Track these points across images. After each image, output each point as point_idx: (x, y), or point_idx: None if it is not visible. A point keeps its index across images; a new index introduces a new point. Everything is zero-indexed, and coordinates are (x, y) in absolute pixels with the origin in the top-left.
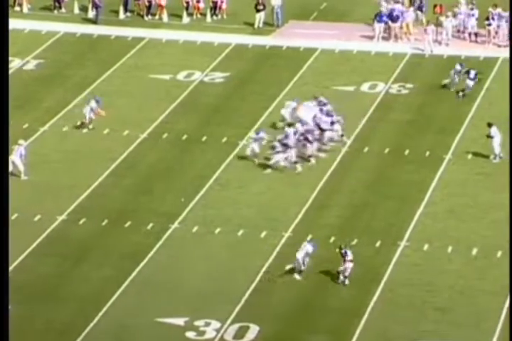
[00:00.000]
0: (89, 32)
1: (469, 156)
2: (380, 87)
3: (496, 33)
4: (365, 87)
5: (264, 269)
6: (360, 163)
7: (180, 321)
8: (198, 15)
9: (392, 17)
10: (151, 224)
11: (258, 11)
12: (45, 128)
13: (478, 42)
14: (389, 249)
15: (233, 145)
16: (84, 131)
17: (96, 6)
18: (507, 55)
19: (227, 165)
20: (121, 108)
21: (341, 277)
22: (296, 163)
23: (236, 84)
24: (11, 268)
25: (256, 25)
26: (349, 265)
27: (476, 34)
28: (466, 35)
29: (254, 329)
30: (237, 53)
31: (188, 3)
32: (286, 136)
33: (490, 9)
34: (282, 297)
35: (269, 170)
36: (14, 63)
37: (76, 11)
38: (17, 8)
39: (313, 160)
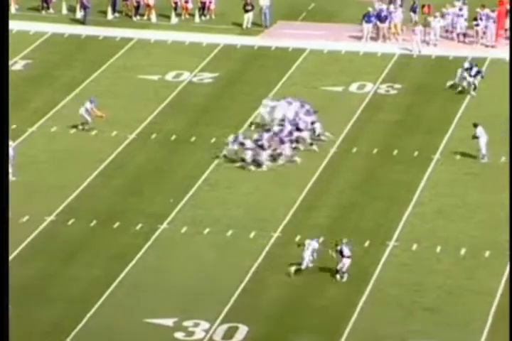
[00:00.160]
0: (77, 32)
1: (457, 156)
2: (368, 88)
3: (484, 33)
4: (353, 88)
5: (253, 269)
6: (348, 164)
7: (169, 321)
8: (187, 16)
9: (381, 17)
10: (139, 225)
11: (246, 11)
12: (33, 129)
13: (466, 42)
14: (378, 249)
15: (222, 146)
16: (73, 131)
17: (84, 7)
18: (495, 55)
19: (216, 165)
20: (110, 108)
21: (338, 275)
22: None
23: (225, 85)
24: None
25: (244, 26)
26: (347, 261)
27: (464, 34)
28: (455, 35)
29: (243, 330)
30: (225, 54)
31: (176, 3)
32: (261, 137)
33: (478, 10)
34: (271, 297)
35: (253, 167)
36: None
37: (64, 11)
38: None
39: (281, 160)
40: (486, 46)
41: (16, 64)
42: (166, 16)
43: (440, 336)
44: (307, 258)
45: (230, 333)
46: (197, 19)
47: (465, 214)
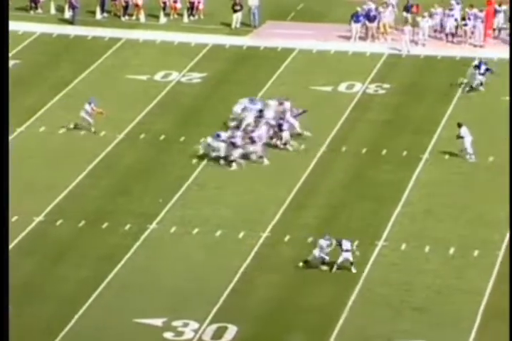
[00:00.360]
0: (65, 32)
1: (446, 156)
2: (357, 87)
3: (472, 33)
4: (342, 87)
5: (242, 269)
6: (337, 163)
7: (158, 322)
8: (175, 16)
9: (369, 17)
10: (128, 225)
11: (235, 11)
12: (21, 129)
13: (455, 42)
14: (367, 248)
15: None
16: (61, 131)
17: (73, 7)
18: (483, 55)
19: (204, 165)
20: (99, 108)
21: (335, 267)
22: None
23: (213, 85)
24: None
25: (233, 26)
26: (345, 255)
27: (453, 34)
28: (443, 35)
29: (232, 330)
30: (214, 53)
31: (165, 3)
32: (233, 135)
33: (466, 9)
34: (260, 297)
35: (234, 165)
36: None
37: (52, 11)
38: None
39: (265, 160)
40: (475, 46)
41: None
42: (155, 16)
43: (429, 336)
44: (317, 256)
45: (219, 333)
46: (185, 19)
47: (453, 213)
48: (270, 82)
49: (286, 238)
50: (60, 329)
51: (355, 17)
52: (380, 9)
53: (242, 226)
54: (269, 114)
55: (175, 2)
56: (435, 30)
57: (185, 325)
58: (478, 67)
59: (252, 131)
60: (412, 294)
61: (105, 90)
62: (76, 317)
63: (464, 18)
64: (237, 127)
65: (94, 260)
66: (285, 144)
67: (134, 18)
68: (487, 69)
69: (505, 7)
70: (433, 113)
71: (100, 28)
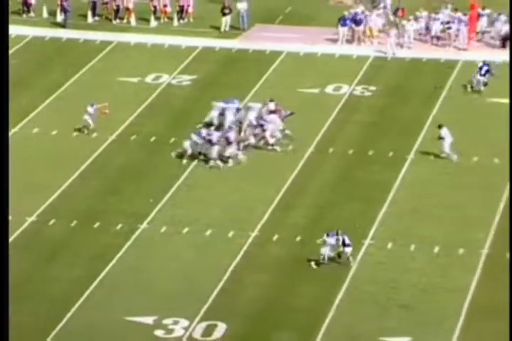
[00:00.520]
0: (58, 36)
1: (431, 157)
2: (344, 89)
3: (456, 36)
4: (329, 89)
5: (231, 268)
6: (325, 164)
7: (149, 320)
8: (166, 19)
9: (356, 21)
10: (119, 225)
11: (224, 14)
12: (15, 130)
13: (439, 45)
14: (354, 247)
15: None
16: (54, 132)
17: (64, 10)
18: (467, 57)
19: (194, 166)
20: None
21: (342, 259)
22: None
23: (203, 87)
24: None
25: (222, 29)
26: (347, 249)
27: (438, 37)
28: (428, 38)
29: (221, 328)
30: (204, 56)
31: (155, 7)
32: (209, 134)
33: (450, 13)
34: (249, 296)
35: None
36: None
37: (45, 15)
38: None
39: (231, 162)
40: (459, 49)
41: None
42: (145, 20)
43: (415, 333)
44: (325, 255)
45: (209, 331)
46: (175, 22)
47: (438, 213)
48: (259, 84)
49: (275, 237)
50: (52, 328)
51: (342, 20)
52: (367, 13)
53: (232, 226)
54: (252, 116)
55: (165, 6)
56: (420, 34)
57: (176, 322)
58: (480, 68)
59: (228, 132)
60: (398, 292)
61: (97, 92)
62: (68, 315)
63: (448, 22)
64: (219, 127)
65: (86, 259)
66: (272, 145)
67: (125, 21)
68: (487, 71)
69: (488, 11)
70: (418, 114)
71: (92, 31)
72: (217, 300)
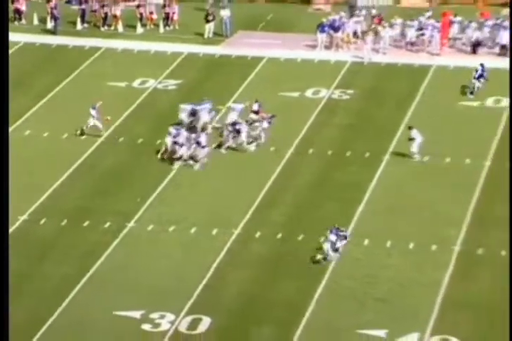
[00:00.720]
0: (48, 42)
1: (405, 157)
2: (322, 93)
3: (430, 42)
4: (309, 93)
5: (215, 265)
6: (304, 165)
7: (136, 314)
8: (152, 26)
9: (334, 27)
10: (108, 223)
11: (208, 21)
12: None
13: (413, 51)
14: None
15: None
16: (45, 134)
17: (54, 18)
18: (439, 62)
19: (180, 166)
20: (79, 114)
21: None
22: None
23: (188, 91)
24: None
25: (206, 36)
26: (343, 242)
27: (412, 43)
28: (403, 44)
29: (206, 321)
30: (188, 62)
31: (141, 14)
32: (176, 135)
33: (424, 20)
34: (232, 291)
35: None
36: None
37: (35, 22)
38: None
39: (198, 164)
40: (432, 54)
41: None
42: (132, 26)
43: (391, 326)
44: (328, 251)
45: (194, 324)
46: (161, 29)
47: (413, 211)
48: (241, 88)
49: (257, 235)
50: (44, 322)
51: (320, 27)
52: (344, 20)
53: (215, 224)
54: (234, 116)
55: (151, 13)
56: (395, 40)
57: (162, 317)
58: (476, 71)
59: (200, 136)
60: (375, 287)
61: (86, 96)
62: (59, 310)
63: (421, 28)
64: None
65: (76, 256)
66: (249, 143)
67: (112, 28)
68: (481, 75)
69: (459, 18)
70: (393, 117)
71: (81, 37)
72: (202, 295)
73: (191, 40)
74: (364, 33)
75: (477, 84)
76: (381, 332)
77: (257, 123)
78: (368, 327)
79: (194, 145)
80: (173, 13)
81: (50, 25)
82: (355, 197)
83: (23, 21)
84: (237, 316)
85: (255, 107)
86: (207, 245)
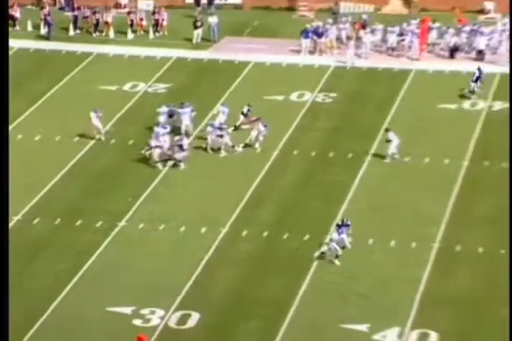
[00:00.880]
0: (41, 47)
1: (386, 159)
2: (307, 96)
3: (409, 47)
4: (293, 96)
5: (203, 262)
6: (290, 165)
7: (127, 310)
8: (142, 32)
9: (318, 33)
10: (100, 223)
11: (196, 27)
12: None
13: (394, 55)
14: (316, 242)
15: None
16: (37, 138)
17: (48, 24)
18: (419, 67)
19: (170, 166)
20: (72, 116)
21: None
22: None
23: (177, 94)
24: None
25: (194, 41)
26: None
27: (393, 49)
28: (384, 49)
29: (195, 317)
30: (177, 66)
31: (132, 20)
32: (156, 136)
33: (404, 26)
34: (220, 288)
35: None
36: None
37: (29, 28)
38: None
39: (182, 165)
40: (411, 59)
41: None
42: (123, 32)
43: (373, 320)
44: (332, 248)
45: (183, 320)
46: (151, 35)
47: (394, 210)
48: (228, 92)
49: (244, 233)
50: (38, 318)
51: (304, 33)
52: (327, 26)
53: (204, 223)
54: (220, 120)
55: (141, 20)
56: (376, 45)
57: (152, 312)
58: (473, 75)
59: (181, 140)
60: (357, 283)
61: (78, 100)
62: (53, 306)
63: (401, 34)
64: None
65: (68, 255)
66: (233, 146)
67: (104, 34)
68: (478, 78)
69: (438, 24)
70: (374, 119)
71: (73, 43)
72: (191, 291)
73: (180, 45)
74: (349, 38)
75: (473, 85)
76: (363, 327)
77: (244, 126)
78: (351, 322)
79: (176, 148)
80: (163, 19)
81: (43, 31)
82: (339, 197)
83: (17, 27)
84: (225, 312)
85: (245, 110)
86: (196, 243)
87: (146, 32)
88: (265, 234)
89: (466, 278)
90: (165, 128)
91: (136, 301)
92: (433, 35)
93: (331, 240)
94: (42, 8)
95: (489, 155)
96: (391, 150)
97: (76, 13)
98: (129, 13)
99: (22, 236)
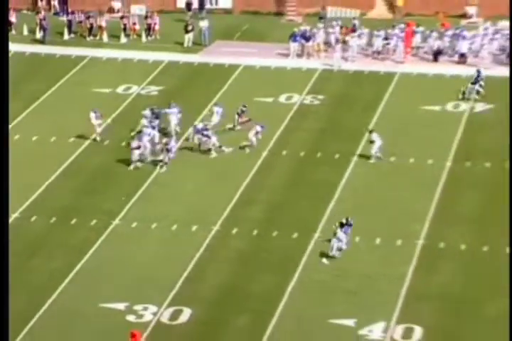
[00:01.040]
0: (37, 51)
1: (372, 159)
2: (295, 98)
3: (394, 50)
4: (282, 99)
5: (195, 259)
6: (279, 165)
7: (121, 306)
8: (135, 36)
9: (305, 37)
10: (94, 221)
11: (187, 32)
12: None
13: (379, 59)
14: (305, 240)
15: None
16: (34, 138)
17: (43, 28)
18: (403, 70)
19: (161, 167)
20: (67, 118)
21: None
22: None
23: (169, 97)
24: None
25: (186, 45)
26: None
27: (378, 52)
28: (370, 52)
29: (187, 313)
30: (169, 69)
31: (125, 25)
32: (139, 137)
33: (389, 30)
34: (211, 284)
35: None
36: None
37: (25, 32)
38: None
39: (164, 167)
40: (396, 62)
41: None
42: (116, 37)
43: (359, 315)
44: (335, 246)
45: (176, 315)
46: (144, 39)
47: (379, 208)
48: (219, 94)
49: (234, 231)
50: (34, 314)
51: (292, 37)
52: (315, 30)
53: (195, 221)
54: (214, 120)
55: (134, 24)
56: (362, 49)
57: (145, 308)
58: (473, 77)
59: (169, 143)
60: (344, 279)
61: (73, 102)
62: (49, 302)
63: (386, 38)
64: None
65: (64, 252)
66: (220, 147)
67: (97, 38)
68: (476, 80)
69: (421, 28)
70: (360, 121)
71: (68, 47)
72: (183, 287)
73: (172, 49)
74: (337, 41)
75: (470, 87)
76: (350, 322)
77: (238, 127)
78: (338, 317)
79: (163, 150)
80: (155, 23)
81: (39, 35)
82: (326, 196)
83: (13, 32)
84: (216, 307)
85: (239, 110)
86: (187, 241)
87: (139, 36)
88: (255, 232)
89: (449, 275)
90: (148, 129)
91: (130, 297)
92: (417, 39)
93: (338, 239)
94: (37, 13)
95: (471, 156)
96: (374, 150)
97: (70, 17)
98: (122, 17)
99: (20, 233)
